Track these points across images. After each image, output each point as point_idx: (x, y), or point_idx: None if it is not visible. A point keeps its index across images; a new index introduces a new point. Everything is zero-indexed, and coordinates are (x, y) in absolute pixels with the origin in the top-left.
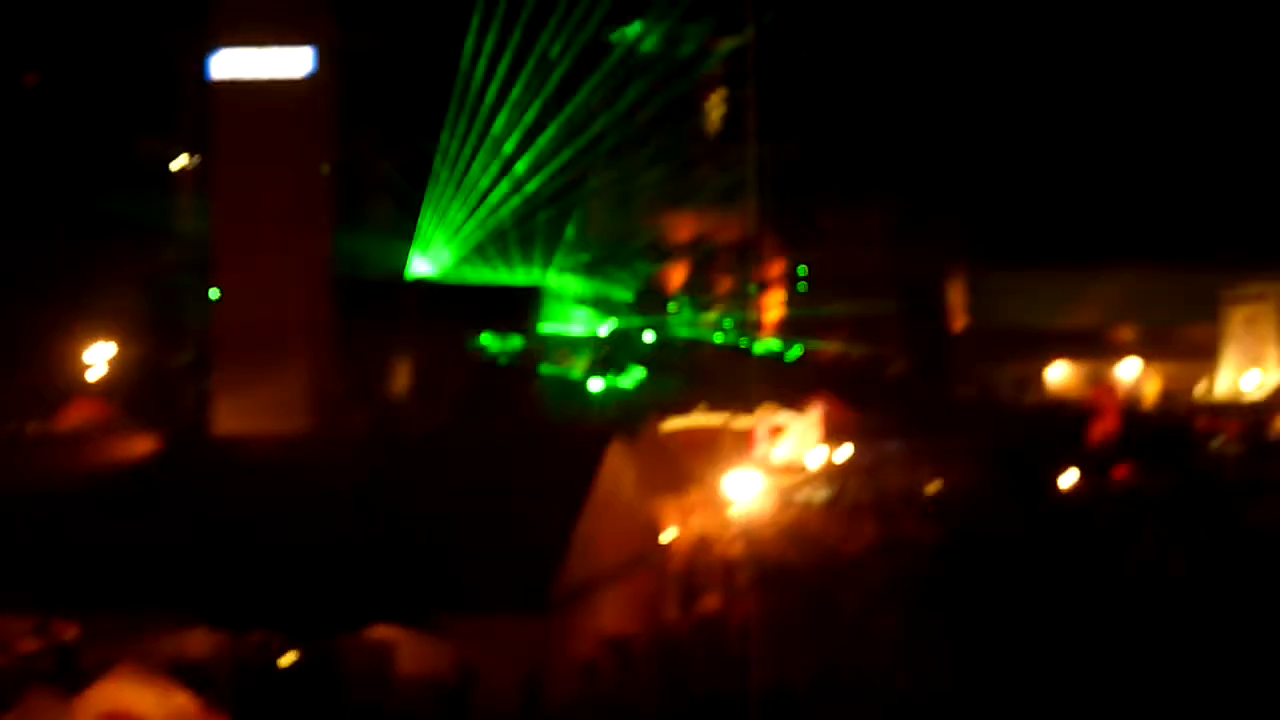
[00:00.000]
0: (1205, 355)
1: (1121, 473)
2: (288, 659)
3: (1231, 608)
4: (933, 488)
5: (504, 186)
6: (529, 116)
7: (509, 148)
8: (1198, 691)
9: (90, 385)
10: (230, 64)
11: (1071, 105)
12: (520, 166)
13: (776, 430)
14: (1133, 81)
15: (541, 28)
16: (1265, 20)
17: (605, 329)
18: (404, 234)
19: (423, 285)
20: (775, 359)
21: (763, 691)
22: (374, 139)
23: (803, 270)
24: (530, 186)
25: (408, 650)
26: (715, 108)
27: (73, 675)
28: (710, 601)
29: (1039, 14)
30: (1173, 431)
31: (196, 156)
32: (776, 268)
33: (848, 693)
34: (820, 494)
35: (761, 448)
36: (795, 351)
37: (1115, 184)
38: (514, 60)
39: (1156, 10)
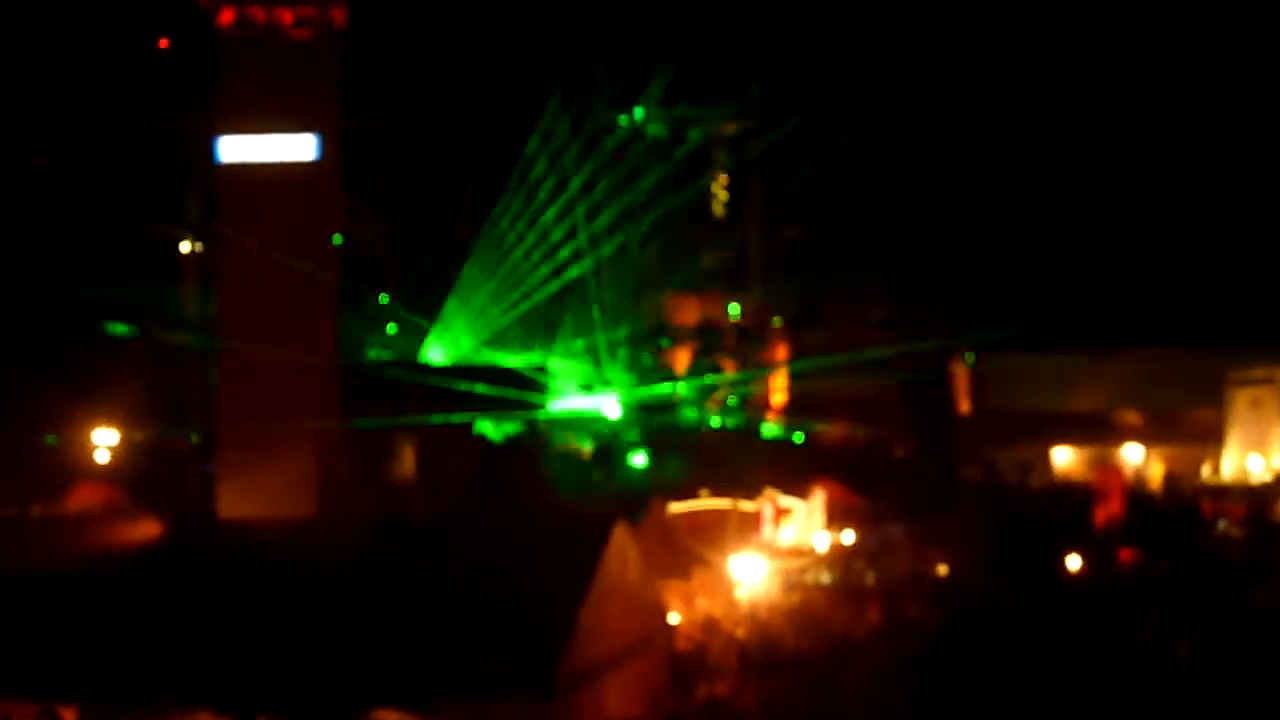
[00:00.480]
0: (1210, 439)
1: (1126, 556)
2: None
3: (1237, 694)
4: (938, 571)
5: (506, 270)
6: (534, 200)
7: (512, 232)
8: None
9: (95, 468)
10: (234, 149)
11: (1074, 191)
12: (523, 250)
13: (781, 513)
14: (1134, 168)
15: (545, 112)
16: (1267, 106)
17: (609, 411)
18: (406, 318)
19: (426, 368)
20: (779, 442)
21: None
22: (377, 224)
23: (805, 354)
24: (534, 269)
25: None
26: (720, 191)
27: None
28: (716, 685)
29: (1041, 103)
30: (1177, 515)
31: (201, 242)
32: (780, 351)
33: None
34: (825, 577)
35: (766, 531)
36: (799, 435)
37: (1120, 268)
38: (518, 145)
39: (1152, 99)
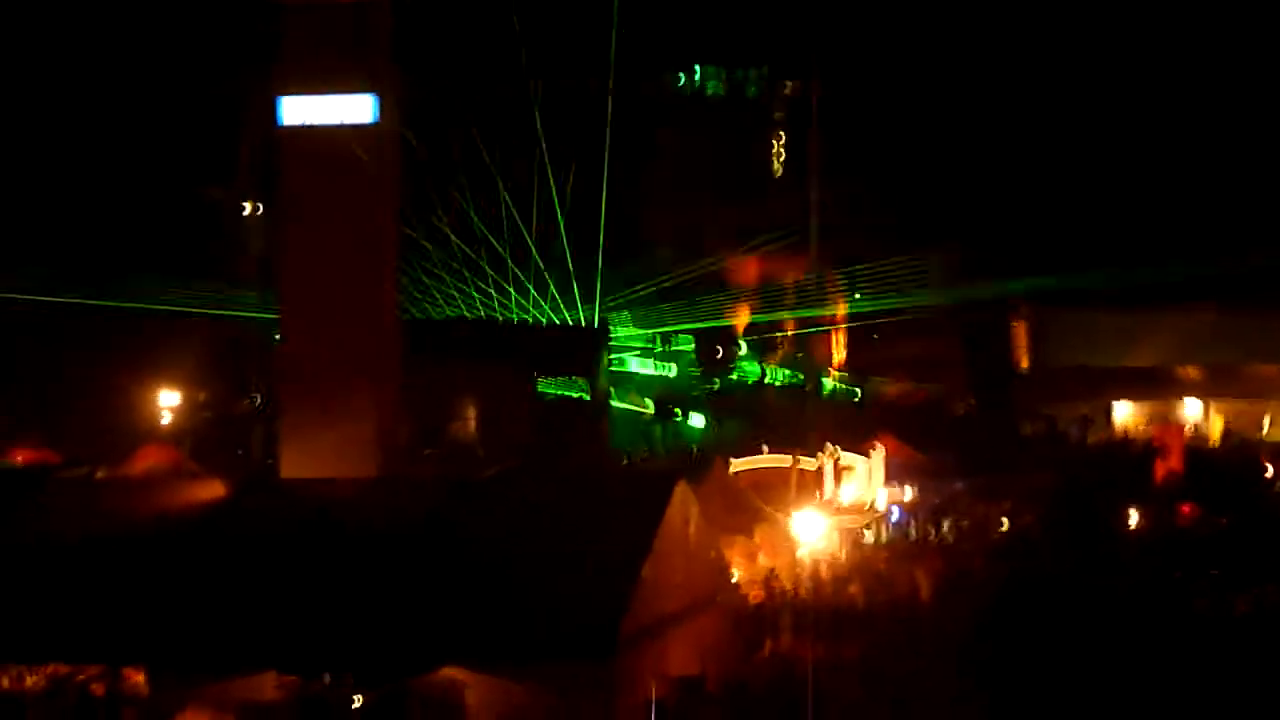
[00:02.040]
0: (1271, 394)
1: (1186, 511)
2: (358, 701)
3: None
4: (999, 527)
5: (568, 229)
6: (593, 160)
7: (574, 190)
8: None
9: (160, 430)
10: (296, 111)
11: (1136, 149)
12: (584, 208)
13: (842, 470)
14: (1197, 127)
15: (606, 69)
16: None
17: (671, 370)
18: (468, 278)
19: (489, 327)
20: (840, 399)
21: None
22: (437, 184)
23: (865, 310)
24: (593, 228)
25: (476, 692)
26: (779, 150)
27: (145, 718)
28: (779, 642)
29: (1101, 60)
30: (1237, 471)
31: (263, 205)
32: (841, 308)
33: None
34: (886, 534)
35: (828, 488)
36: (860, 392)
37: (1180, 223)
38: (576, 100)
39: (1210, 69)
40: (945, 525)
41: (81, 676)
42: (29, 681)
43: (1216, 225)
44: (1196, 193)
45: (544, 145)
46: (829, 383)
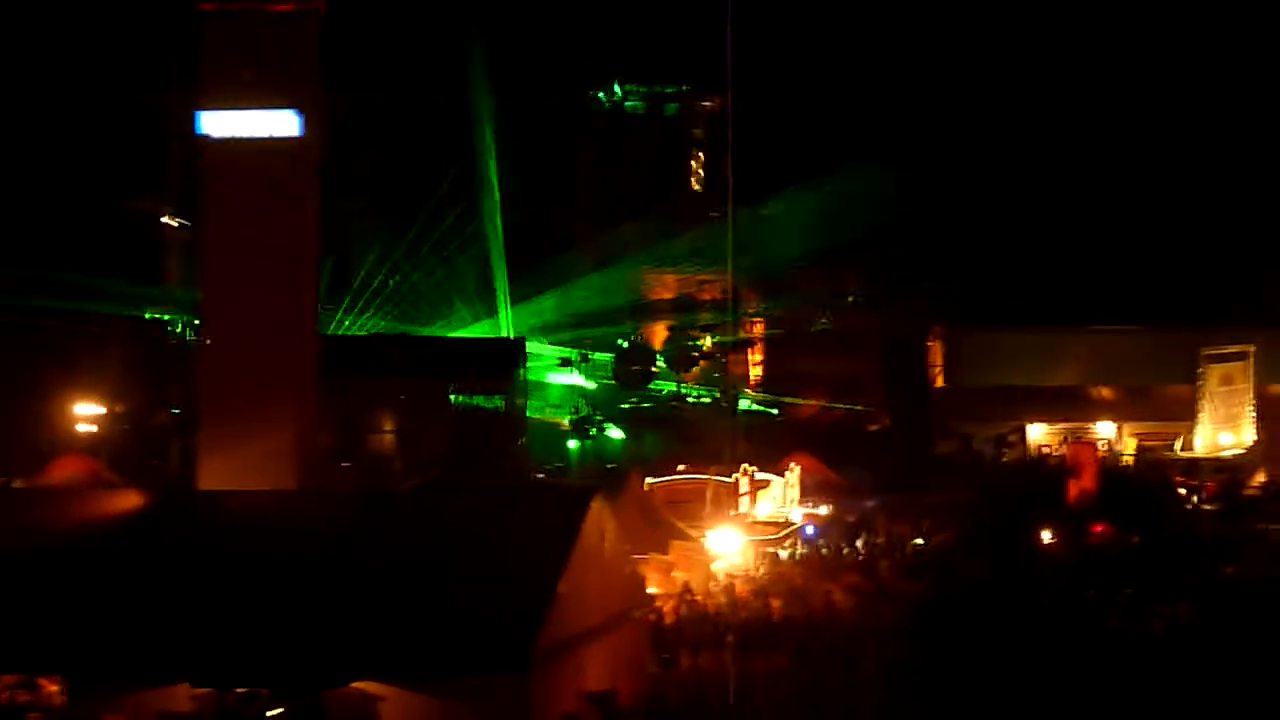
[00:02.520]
0: (1182, 414)
1: (1099, 529)
2: (272, 714)
3: (1210, 667)
4: (913, 543)
5: (489, 243)
6: (513, 177)
7: (491, 206)
8: None
9: (77, 441)
10: (217, 125)
11: (1049, 168)
12: (500, 223)
13: (758, 487)
14: (1107, 146)
15: (528, 86)
16: (1239, 89)
17: (589, 385)
18: (386, 291)
19: (406, 341)
20: (756, 416)
21: None
22: (358, 197)
23: (781, 330)
24: (510, 243)
25: (392, 706)
26: (697, 166)
27: None
28: (695, 656)
29: (1014, 80)
30: (1150, 490)
31: (183, 218)
32: (757, 327)
33: None
34: (800, 550)
35: (743, 504)
36: (775, 410)
37: (1093, 245)
38: (498, 118)
39: (1129, 82)
40: (859, 542)
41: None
42: None
43: (1134, 248)
44: (1113, 217)
45: (467, 161)
46: (746, 400)
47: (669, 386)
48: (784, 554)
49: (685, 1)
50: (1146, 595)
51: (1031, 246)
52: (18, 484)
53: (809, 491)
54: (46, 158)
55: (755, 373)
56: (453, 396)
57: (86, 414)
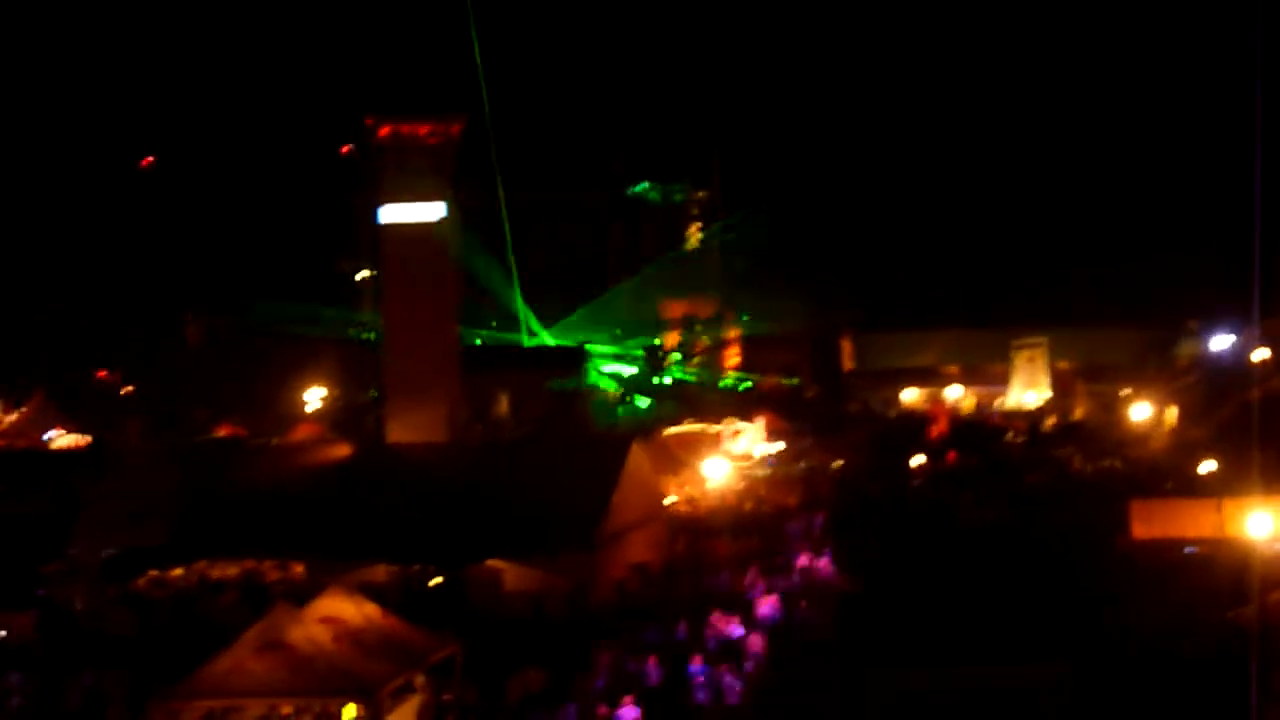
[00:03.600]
0: (1001, 382)
1: (950, 458)
2: (436, 581)
3: (1021, 545)
4: (835, 466)
5: (565, 286)
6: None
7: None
8: (998, 592)
9: (310, 414)
10: (390, 214)
11: (919, 219)
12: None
13: (736, 433)
14: (958, 202)
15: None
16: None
17: (627, 373)
18: (500, 317)
19: (514, 347)
20: (734, 390)
21: (731, 590)
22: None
23: (750, 333)
24: (581, 285)
25: (510, 575)
26: (694, 234)
27: (301, 594)
28: (696, 539)
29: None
30: (981, 431)
31: (375, 271)
32: (735, 331)
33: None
34: (764, 472)
35: (726, 445)
36: (746, 384)
37: (947, 275)
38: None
39: (963, 126)
40: (800, 465)
41: (263, 567)
42: (230, 571)
43: (968, 274)
44: (957, 251)
45: (549, 233)
46: (727, 378)
47: (680, 371)
48: (754, 474)
49: (681, 119)
50: (982, 497)
51: (904, 275)
52: (275, 442)
53: (769, 435)
54: (291, 236)
55: (733, 361)
56: (545, 381)
57: (316, 396)
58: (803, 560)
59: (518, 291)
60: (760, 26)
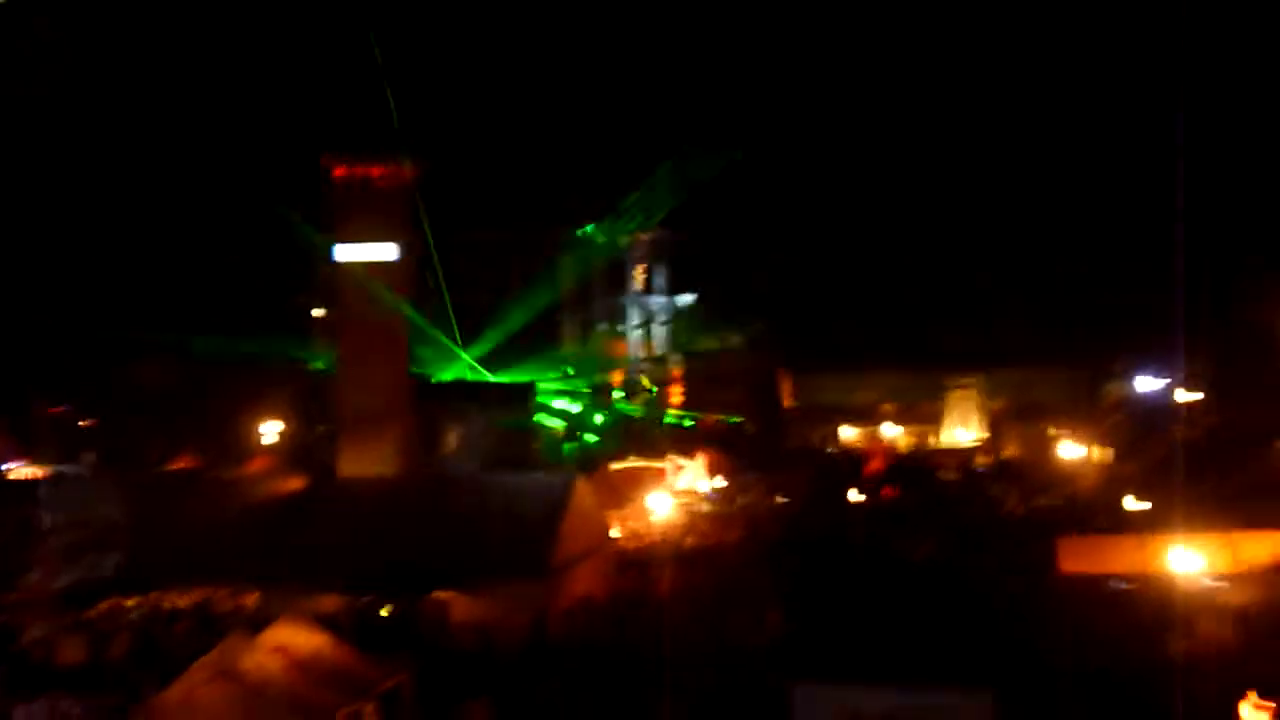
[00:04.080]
0: (936, 420)
1: (886, 492)
2: (386, 611)
3: (954, 579)
4: (776, 501)
5: (513, 323)
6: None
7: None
8: (928, 621)
9: (265, 447)
10: (345, 253)
11: (861, 265)
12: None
13: (678, 469)
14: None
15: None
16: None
17: (574, 410)
18: (446, 355)
19: (463, 383)
20: (678, 426)
21: (673, 623)
22: (428, 300)
23: (692, 373)
24: (527, 322)
25: (459, 605)
26: (639, 275)
27: (255, 623)
28: (641, 572)
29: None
30: (916, 467)
31: (327, 308)
32: (678, 371)
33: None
34: (706, 507)
35: (669, 480)
36: (689, 422)
37: (884, 316)
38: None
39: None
40: (739, 501)
41: (217, 596)
42: (184, 601)
43: (903, 321)
44: (887, 302)
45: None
46: (670, 416)
47: (625, 408)
48: (696, 509)
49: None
50: (915, 532)
51: (842, 316)
52: (229, 474)
53: (711, 471)
54: (247, 272)
55: (677, 399)
56: (493, 417)
57: (272, 430)
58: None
59: (455, 329)
60: (696, 76)
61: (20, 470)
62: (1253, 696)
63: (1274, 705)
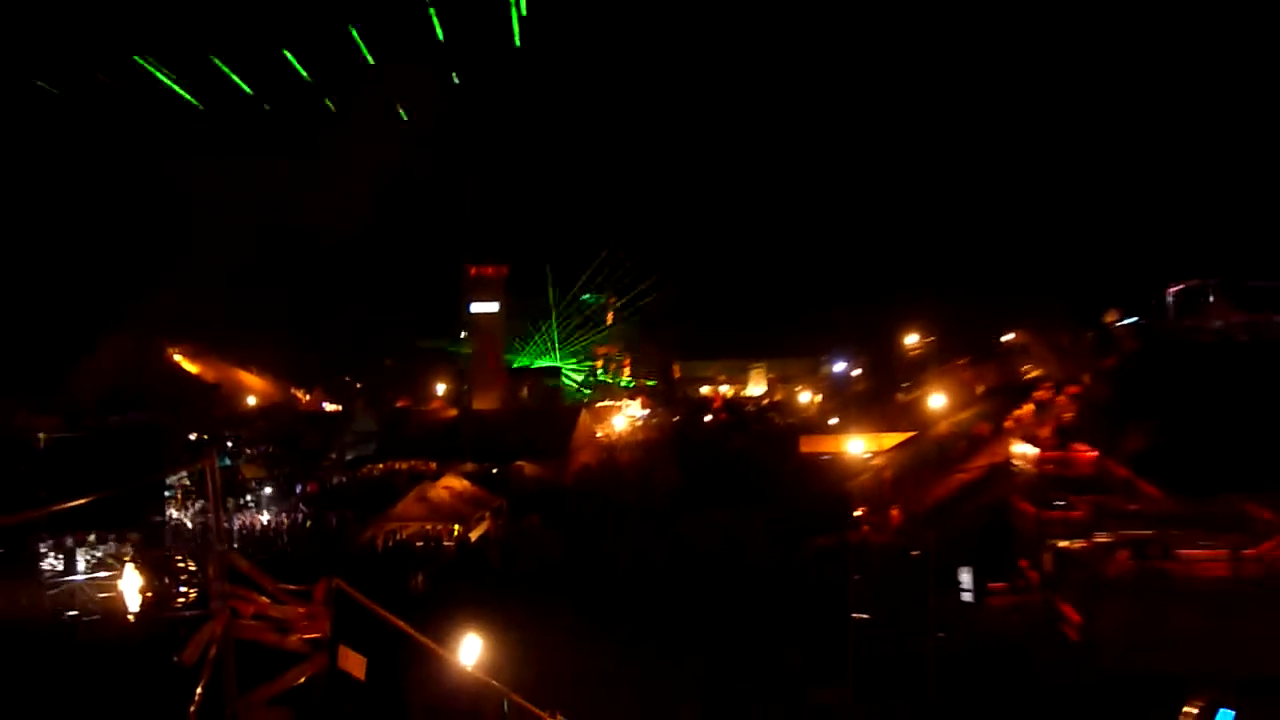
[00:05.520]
0: (744, 383)
1: (721, 417)
2: (495, 470)
3: (747, 455)
4: (673, 420)
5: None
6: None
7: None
8: (745, 476)
9: (439, 395)
10: (476, 306)
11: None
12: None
13: (627, 406)
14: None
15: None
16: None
17: (578, 378)
18: (518, 353)
19: (526, 367)
20: (627, 387)
21: (624, 477)
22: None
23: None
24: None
25: (527, 468)
26: (616, 315)
27: (434, 476)
28: (610, 453)
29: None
30: (735, 404)
31: (466, 331)
32: (628, 359)
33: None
34: (640, 423)
35: (624, 411)
36: (631, 384)
37: (720, 334)
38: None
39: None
40: (655, 420)
41: (417, 464)
42: (403, 465)
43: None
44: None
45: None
46: (624, 381)
47: (603, 377)
48: (636, 423)
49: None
50: (733, 435)
51: (705, 330)
52: (423, 408)
53: (643, 406)
54: (431, 312)
55: (626, 373)
56: (550, 383)
57: (440, 387)
58: None
59: (519, 342)
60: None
61: (329, 406)
62: (895, 511)
63: (897, 513)
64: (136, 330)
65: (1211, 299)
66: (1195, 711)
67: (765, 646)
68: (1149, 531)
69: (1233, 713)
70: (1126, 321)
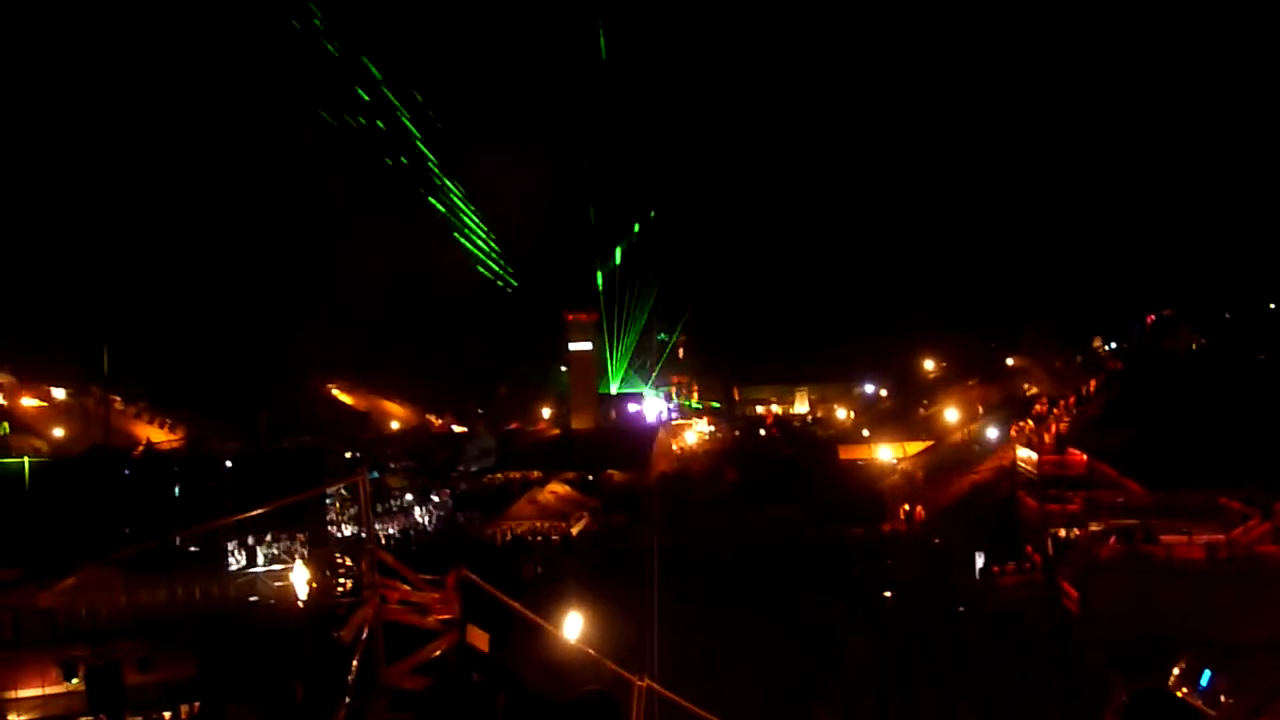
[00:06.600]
0: (790, 404)
1: (773, 431)
2: (591, 477)
3: (798, 462)
4: (734, 434)
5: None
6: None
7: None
8: (795, 480)
9: (544, 418)
10: (573, 346)
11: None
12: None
13: (695, 423)
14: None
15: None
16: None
17: (660, 395)
18: (606, 382)
19: (610, 394)
20: (697, 408)
21: (695, 479)
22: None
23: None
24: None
25: (616, 476)
26: (681, 350)
27: (541, 483)
28: (683, 462)
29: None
30: (784, 421)
31: (566, 366)
32: (696, 386)
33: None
34: (708, 437)
35: (694, 428)
36: (699, 405)
37: (770, 366)
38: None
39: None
40: (719, 435)
41: (526, 474)
42: (515, 475)
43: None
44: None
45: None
46: (694, 403)
47: (684, 401)
48: (704, 438)
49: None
50: (783, 445)
51: (753, 367)
52: (529, 428)
53: (710, 424)
54: (541, 354)
55: (695, 396)
56: (625, 404)
57: (546, 410)
58: None
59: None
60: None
61: (456, 428)
62: (919, 506)
63: (921, 509)
64: (301, 369)
65: (1181, 325)
66: (1180, 672)
67: (811, 614)
68: (1134, 521)
69: (1210, 672)
70: (1110, 346)
